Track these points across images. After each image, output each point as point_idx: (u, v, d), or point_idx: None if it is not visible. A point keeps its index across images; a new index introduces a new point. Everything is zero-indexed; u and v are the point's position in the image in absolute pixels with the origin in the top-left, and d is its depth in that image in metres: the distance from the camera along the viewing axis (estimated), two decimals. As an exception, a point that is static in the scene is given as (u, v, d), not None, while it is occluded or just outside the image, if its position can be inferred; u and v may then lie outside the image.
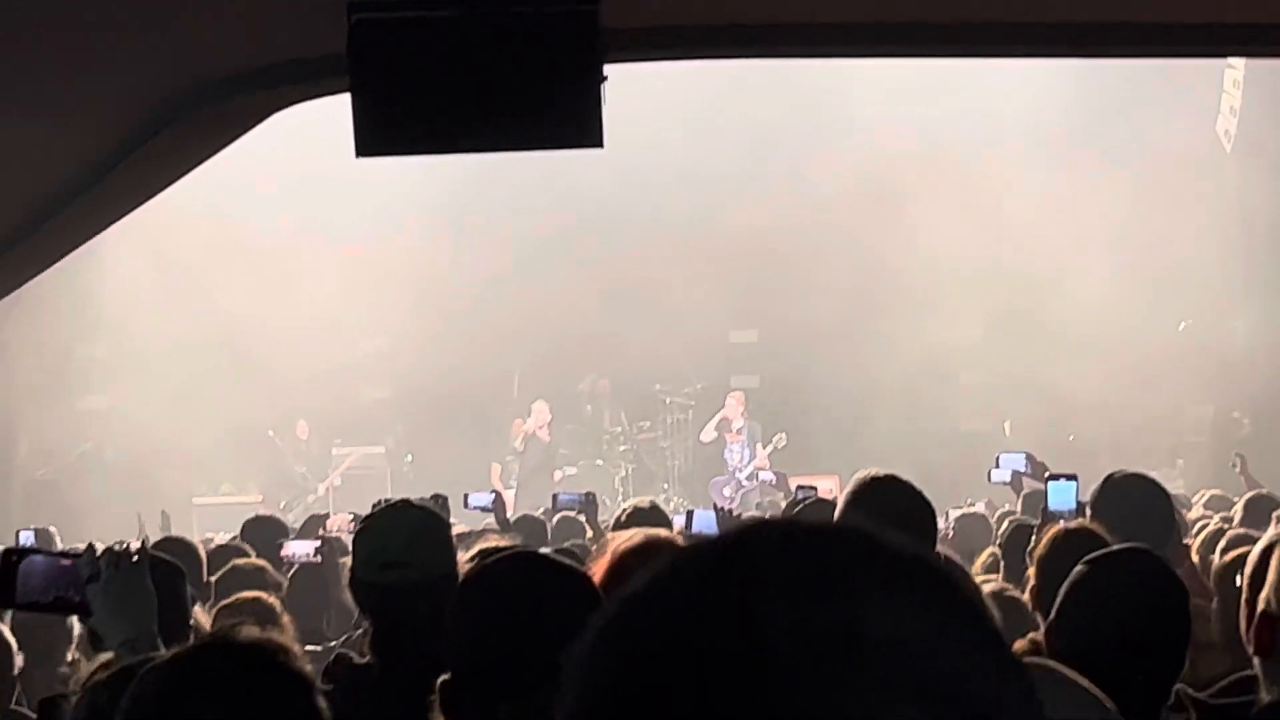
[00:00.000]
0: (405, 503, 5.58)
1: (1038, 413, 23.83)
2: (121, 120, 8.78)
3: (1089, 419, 24.00)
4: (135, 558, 4.51)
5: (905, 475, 18.39)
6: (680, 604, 1.23)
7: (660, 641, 1.21)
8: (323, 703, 3.12)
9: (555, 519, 12.27)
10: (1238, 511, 12.26)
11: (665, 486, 25.15)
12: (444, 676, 3.38)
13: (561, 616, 3.12)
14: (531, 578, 3.46)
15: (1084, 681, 3.64)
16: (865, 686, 1.17)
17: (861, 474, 5.30)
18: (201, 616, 6.55)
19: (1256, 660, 3.85)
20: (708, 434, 25.10)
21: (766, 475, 17.08)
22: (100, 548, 4.51)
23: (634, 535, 4.55)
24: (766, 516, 12.00)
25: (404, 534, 5.18)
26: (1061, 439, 23.02)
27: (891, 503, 4.95)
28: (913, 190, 24.13)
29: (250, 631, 3.19)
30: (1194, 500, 16.07)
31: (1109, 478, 7.64)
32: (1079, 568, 4.42)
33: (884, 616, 1.20)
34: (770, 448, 24.11)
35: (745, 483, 23.29)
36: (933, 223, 23.90)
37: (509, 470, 25.32)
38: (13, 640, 6.83)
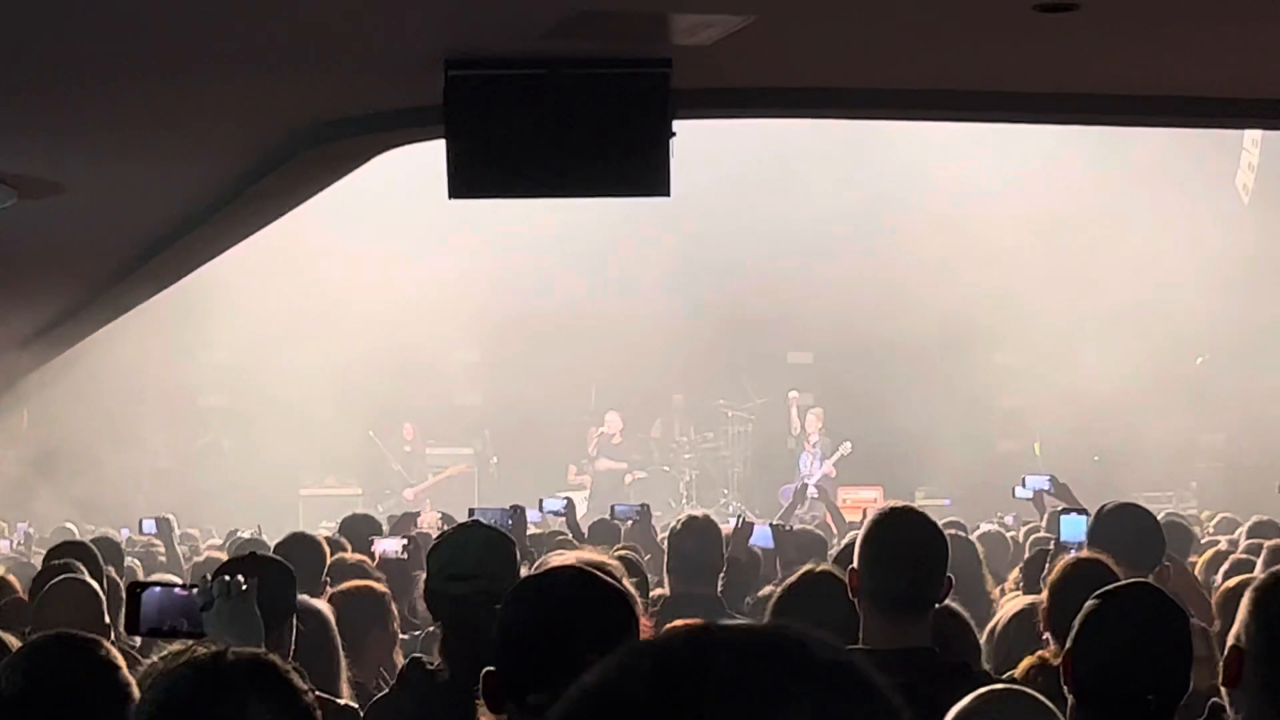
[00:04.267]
0: (476, 523, 5.63)
1: (1067, 436, 23.73)
2: (238, 159, 8.88)
3: (1113, 443, 23.89)
4: (244, 588, 4.56)
5: (944, 489, 18.28)
6: (621, 707, 1.28)
7: None
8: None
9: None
10: (1241, 535, 12.19)
11: (725, 492, 25.21)
12: (488, 669, 3.46)
13: (592, 622, 3.38)
14: (570, 588, 3.58)
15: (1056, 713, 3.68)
16: None
17: (881, 506, 5.33)
18: (323, 605, 6.62)
19: (1224, 690, 3.85)
20: (794, 426, 25.26)
21: (813, 490, 17.07)
22: (184, 557, 4.63)
23: (566, 557, 4.65)
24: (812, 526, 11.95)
25: (473, 550, 5.20)
26: (1087, 461, 22.94)
27: (903, 533, 4.97)
28: (955, 231, 24.05)
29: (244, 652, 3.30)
30: (1205, 520, 16.01)
31: (1102, 509, 7.69)
32: (1091, 601, 4.40)
33: (812, 716, 1.23)
34: (836, 455, 24.17)
35: (812, 489, 23.29)
36: (972, 263, 23.81)
37: (583, 472, 25.41)
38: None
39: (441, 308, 24.81)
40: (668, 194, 7.45)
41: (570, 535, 11.28)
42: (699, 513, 9.22)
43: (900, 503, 5.42)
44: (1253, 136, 23.26)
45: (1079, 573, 5.63)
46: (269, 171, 8.85)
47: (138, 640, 7.66)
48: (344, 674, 6.06)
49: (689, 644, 1.31)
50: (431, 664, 5.04)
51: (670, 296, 25.00)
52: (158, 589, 4.73)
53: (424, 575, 5.36)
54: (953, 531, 9.44)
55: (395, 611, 7.19)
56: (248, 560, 5.93)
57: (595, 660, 3.32)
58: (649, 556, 9.67)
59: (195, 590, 4.58)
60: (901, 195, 24.44)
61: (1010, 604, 6.59)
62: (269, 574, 5.69)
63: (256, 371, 24.55)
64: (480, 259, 24.61)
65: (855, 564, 4.94)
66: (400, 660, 6.65)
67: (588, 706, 1.30)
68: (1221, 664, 3.81)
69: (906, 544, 4.93)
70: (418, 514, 13.19)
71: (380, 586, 7.29)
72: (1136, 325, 23.61)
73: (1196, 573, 9.74)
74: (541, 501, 12.89)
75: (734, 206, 24.56)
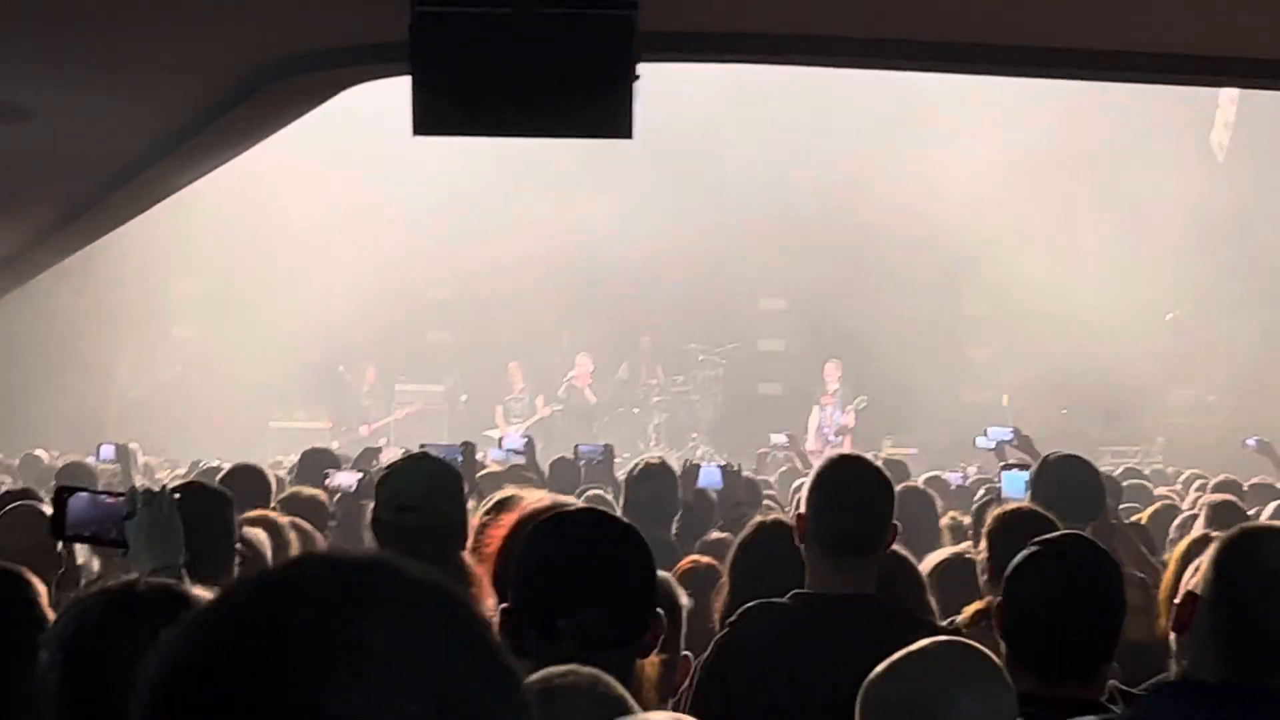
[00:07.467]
0: (425, 454, 5.64)
1: (1035, 388, 23.78)
2: (204, 91, 8.87)
3: (1082, 396, 23.96)
4: (171, 500, 4.55)
5: (910, 439, 18.21)
6: (229, 621, 1.39)
7: (206, 650, 1.37)
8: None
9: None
10: (1205, 491, 12.25)
11: (694, 436, 25.23)
12: (504, 605, 3.63)
13: (612, 552, 3.62)
14: (590, 523, 3.80)
15: (999, 665, 3.71)
16: (370, 687, 1.33)
17: (831, 454, 5.40)
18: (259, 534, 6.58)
19: (1173, 635, 3.88)
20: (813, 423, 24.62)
21: (779, 439, 17.12)
22: (140, 485, 4.58)
23: (543, 499, 4.72)
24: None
25: (421, 482, 5.23)
26: (1055, 413, 23.01)
27: (849, 479, 5.04)
28: (927, 182, 24.03)
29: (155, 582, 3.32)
30: (1172, 476, 16.11)
31: (1046, 459, 7.73)
32: (1024, 551, 4.43)
33: (391, 631, 1.36)
34: (852, 408, 24.13)
35: (832, 439, 23.21)
36: (943, 213, 23.80)
37: (509, 409, 25.36)
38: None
39: (415, 244, 24.82)
40: (630, 136, 7.44)
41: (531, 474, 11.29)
42: (655, 458, 9.27)
43: (851, 451, 5.51)
44: (1229, 94, 23.28)
45: (1017, 521, 5.71)
46: (235, 104, 8.85)
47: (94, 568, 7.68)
48: None
49: (287, 566, 1.45)
50: None
51: (644, 239, 24.96)
52: (85, 494, 4.71)
53: (371, 505, 5.39)
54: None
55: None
56: (186, 489, 5.91)
57: (615, 586, 3.50)
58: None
59: (123, 499, 4.57)
60: (876, 142, 24.40)
61: (932, 555, 6.64)
62: (210, 504, 5.66)
63: (229, 303, 24.54)
64: (454, 196, 24.57)
65: (803, 510, 5.03)
66: None
67: (197, 621, 1.41)
68: (1175, 609, 3.85)
69: (852, 489, 5.01)
70: (379, 450, 13.22)
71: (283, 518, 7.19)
72: (1108, 280, 23.67)
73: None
74: (501, 440, 12.90)
75: (707, 149, 24.53)
